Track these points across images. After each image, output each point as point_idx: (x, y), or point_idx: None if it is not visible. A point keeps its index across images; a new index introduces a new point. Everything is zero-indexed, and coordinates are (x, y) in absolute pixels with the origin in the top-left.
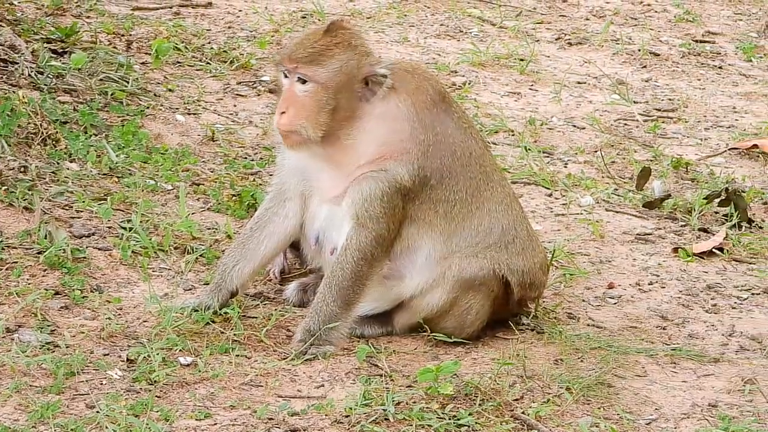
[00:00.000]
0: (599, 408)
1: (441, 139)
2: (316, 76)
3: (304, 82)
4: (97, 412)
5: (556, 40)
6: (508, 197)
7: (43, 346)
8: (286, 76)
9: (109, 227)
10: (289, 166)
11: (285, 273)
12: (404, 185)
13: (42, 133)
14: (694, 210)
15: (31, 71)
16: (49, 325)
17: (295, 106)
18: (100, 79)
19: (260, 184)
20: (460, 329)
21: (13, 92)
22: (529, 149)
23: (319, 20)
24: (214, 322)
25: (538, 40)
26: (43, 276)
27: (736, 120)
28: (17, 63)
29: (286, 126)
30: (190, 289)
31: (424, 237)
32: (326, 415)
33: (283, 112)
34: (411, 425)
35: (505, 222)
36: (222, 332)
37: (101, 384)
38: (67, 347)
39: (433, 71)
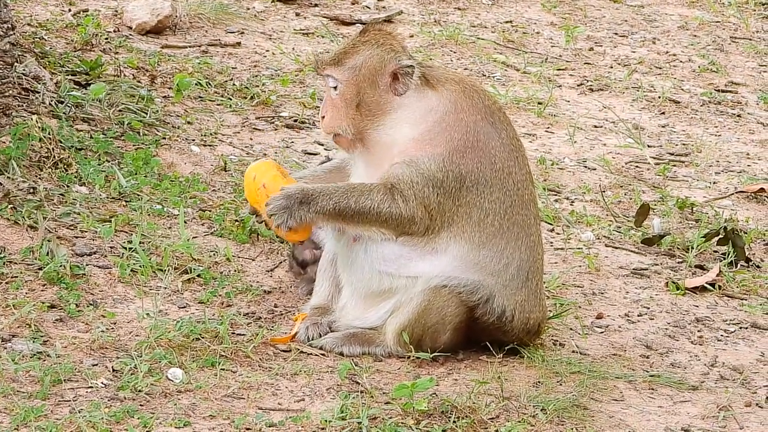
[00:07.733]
0: (572, 429)
1: (482, 146)
2: (339, 76)
3: (335, 86)
4: (79, 417)
5: (577, 86)
6: (536, 236)
7: (34, 355)
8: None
9: (112, 247)
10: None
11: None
12: (435, 176)
13: (54, 157)
14: (692, 247)
15: (52, 100)
16: (42, 336)
17: (331, 109)
18: (120, 110)
19: None
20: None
21: (30, 119)
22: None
23: None
24: (203, 337)
25: (559, 86)
26: (42, 290)
27: (748, 165)
28: (39, 92)
29: (326, 128)
30: (185, 307)
31: (452, 243)
32: (302, 426)
33: (323, 117)
34: None
35: (524, 259)
36: (210, 347)
37: (86, 392)
38: (57, 357)
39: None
